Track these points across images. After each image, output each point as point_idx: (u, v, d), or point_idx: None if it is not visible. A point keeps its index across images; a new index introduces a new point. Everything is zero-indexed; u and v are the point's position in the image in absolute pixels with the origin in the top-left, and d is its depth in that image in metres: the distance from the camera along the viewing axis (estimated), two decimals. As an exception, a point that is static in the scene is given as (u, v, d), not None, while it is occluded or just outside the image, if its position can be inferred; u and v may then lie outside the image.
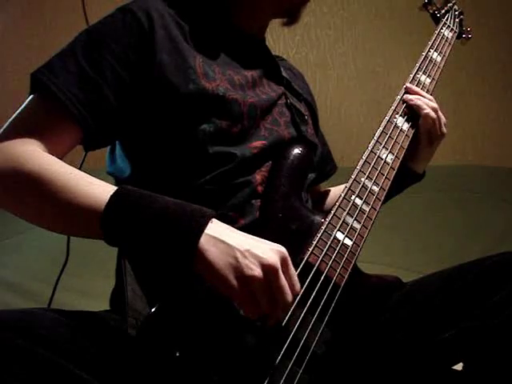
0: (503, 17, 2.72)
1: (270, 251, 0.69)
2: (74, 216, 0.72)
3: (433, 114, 1.03)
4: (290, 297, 0.69)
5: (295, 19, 1.05)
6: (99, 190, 0.72)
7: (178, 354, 0.67)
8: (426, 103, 1.04)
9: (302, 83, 1.16)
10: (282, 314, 0.70)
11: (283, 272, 0.69)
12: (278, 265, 0.68)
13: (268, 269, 0.67)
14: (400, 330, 0.84)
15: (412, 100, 1.04)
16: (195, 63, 0.88)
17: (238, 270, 0.66)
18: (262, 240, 0.71)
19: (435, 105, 1.05)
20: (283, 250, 0.70)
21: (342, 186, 0.91)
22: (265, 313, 0.68)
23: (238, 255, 0.67)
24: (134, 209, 0.69)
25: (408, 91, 1.06)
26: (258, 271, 0.66)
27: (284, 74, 1.05)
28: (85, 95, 0.81)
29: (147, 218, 0.68)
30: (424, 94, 1.06)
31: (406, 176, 1.07)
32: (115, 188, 0.72)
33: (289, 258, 0.70)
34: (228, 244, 0.68)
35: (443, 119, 1.06)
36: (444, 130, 1.06)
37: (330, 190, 1.21)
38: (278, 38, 2.68)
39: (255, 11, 1.01)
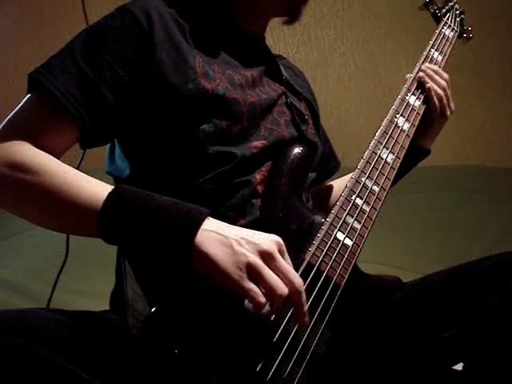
0: (503, 16, 2.72)
1: (265, 239, 0.70)
2: (71, 214, 0.73)
3: (436, 100, 1.06)
4: (297, 278, 0.68)
5: (296, 18, 1.05)
6: (97, 189, 0.72)
7: (176, 352, 0.67)
8: (436, 86, 1.07)
9: (302, 82, 1.16)
10: (283, 300, 0.69)
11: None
12: (275, 249, 0.69)
13: (264, 254, 0.68)
14: (400, 329, 0.84)
15: (424, 80, 1.07)
16: (195, 63, 0.88)
17: (235, 258, 0.67)
18: (257, 232, 0.72)
19: (445, 83, 1.08)
20: (278, 238, 0.71)
21: (345, 178, 0.92)
22: (267, 297, 0.67)
23: (234, 244, 0.68)
24: (130, 206, 0.70)
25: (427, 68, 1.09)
26: (254, 257, 0.67)
27: (284, 72, 1.05)
28: (83, 95, 0.81)
29: (144, 216, 0.69)
30: (440, 71, 1.10)
31: (415, 153, 1.09)
32: (112, 187, 0.73)
33: (284, 247, 0.71)
34: (223, 235, 0.69)
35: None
36: (452, 106, 1.10)
37: (333, 186, 1.21)
38: (278, 38, 2.68)
39: (255, 10, 1.01)
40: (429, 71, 1.08)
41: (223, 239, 0.68)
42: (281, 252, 0.70)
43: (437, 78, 1.08)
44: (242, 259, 0.67)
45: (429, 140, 1.12)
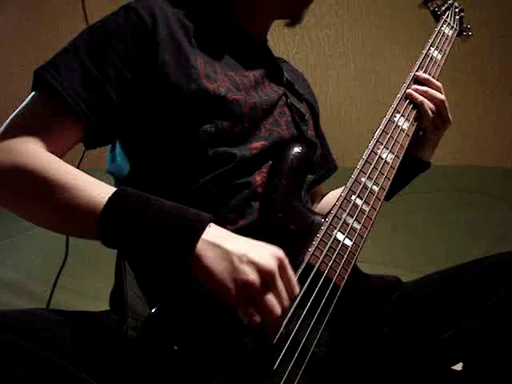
0: (504, 15, 2.72)
1: (267, 256, 0.69)
2: (71, 216, 0.73)
3: (430, 113, 1.03)
4: (287, 302, 0.69)
5: (298, 20, 1.05)
6: (98, 191, 0.72)
7: (176, 350, 0.67)
8: (431, 96, 1.04)
9: (303, 85, 1.16)
10: (280, 319, 0.70)
11: (281, 275, 0.69)
12: (275, 269, 0.68)
13: (264, 274, 0.67)
14: (400, 329, 0.84)
15: (414, 97, 1.04)
16: (197, 63, 0.88)
17: (235, 275, 0.66)
18: (260, 243, 0.71)
19: (442, 96, 1.05)
20: (280, 253, 0.70)
21: (339, 191, 0.91)
22: (263, 318, 0.68)
23: (235, 260, 0.67)
24: (131, 211, 0.69)
25: (417, 78, 1.07)
26: (254, 276, 0.66)
27: (286, 74, 1.05)
28: (87, 93, 0.81)
29: (144, 221, 0.68)
30: (432, 80, 1.07)
31: (413, 165, 1.07)
32: (114, 189, 0.72)
33: (287, 261, 0.70)
34: (224, 249, 0.68)
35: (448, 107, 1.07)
36: (450, 117, 1.06)
37: (327, 194, 1.20)
38: (278, 39, 2.67)
39: (258, 12, 1.01)
40: (419, 87, 1.05)
41: (224, 253, 0.68)
42: (282, 267, 0.69)
43: (430, 91, 1.04)
44: (241, 277, 0.66)
45: (427, 152, 1.09)
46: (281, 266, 0.69)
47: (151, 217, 0.69)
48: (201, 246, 0.67)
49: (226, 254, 0.67)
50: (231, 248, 0.68)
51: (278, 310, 0.67)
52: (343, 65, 2.77)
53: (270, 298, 0.67)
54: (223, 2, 0.99)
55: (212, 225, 0.70)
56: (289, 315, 0.75)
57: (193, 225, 0.69)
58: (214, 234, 0.69)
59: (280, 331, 0.72)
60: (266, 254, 0.69)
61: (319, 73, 2.72)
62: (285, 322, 0.74)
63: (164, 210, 0.70)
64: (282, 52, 2.61)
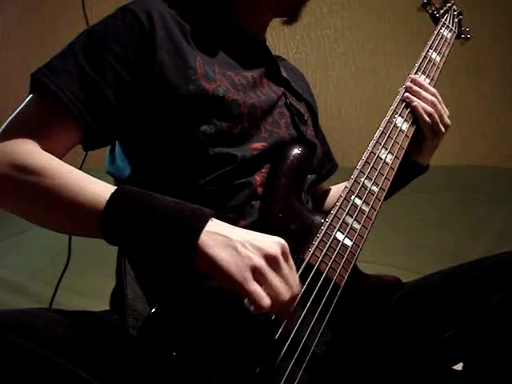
0: (503, 16, 2.73)
1: (270, 242, 0.69)
2: (73, 215, 0.73)
3: (426, 118, 1.02)
4: (295, 286, 0.69)
5: (295, 18, 1.05)
6: (99, 189, 0.72)
7: (175, 354, 0.67)
8: (424, 102, 1.03)
9: (302, 83, 1.16)
10: (293, 302, 0.69)
11: (284, 261, 0.69)
12: (279, 253, 0.68)
13: (269, 258, 0.67)
14: (400, 330, 0.84)
15: (410, 100, 1.03)
16: (195, 64, 0.88)
17: (240, 261, 0.66)
18: (262, 234, 0.71)
19: (434, 98, 1.04)
20: (283, 241, 0.71)
21: (343, 185, 0.92)
22: (273, 299, 0.67)
23: (238, 246, 0.67)
24: (133, 207, 0.69)
25: (412, 83, 1.05)
26: (258, 260, 0.67)
27: (284, 74, 1.05)
28: (85, 95, 0.81)
29: (147, 217, 0.69)
30: (427, 86, 1.05)
31: (410, 169, 1.07)
32: (115, 187, 0.72)
33: (288, 250, 0.71)
34: (227, 237, 0.68)
35: (445, 111, 1.05)
36: (447, 121, 1.05)
37: (330, 189, 1.21)
38: (278, 38, 2.68)
39: (256, 11, 1.01)
40: (414, 88, 1.04)
41: (227, 241, 0.68)
42: (284, 255, 0.70)
43: (424, 94, 1.04)
44: (246, 262, 0.66)
45: (425, 157, 1.08)
46: (284, 253, 0.70)
47: (154, 211, 0.69)
48: (204, 237, 0.67)
49: (230, 241, 0.68)
50: (234, 236, 0.68)
51: (285, 293, 0.67)
52: (343, 65, 2.77)
53: (278, 281, 0.67)
54: (221, 2, 0.99)
55: (214, 219, 0.71)
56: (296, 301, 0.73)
57: (195, 218, 0.69)
58: (217, 226, 0.69)
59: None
60: (269, 240, 0.70)
61: (319, 73, 2.72)
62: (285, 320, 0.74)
63: (166, 205, 0.70)
64: (282, 52, 2.62)
